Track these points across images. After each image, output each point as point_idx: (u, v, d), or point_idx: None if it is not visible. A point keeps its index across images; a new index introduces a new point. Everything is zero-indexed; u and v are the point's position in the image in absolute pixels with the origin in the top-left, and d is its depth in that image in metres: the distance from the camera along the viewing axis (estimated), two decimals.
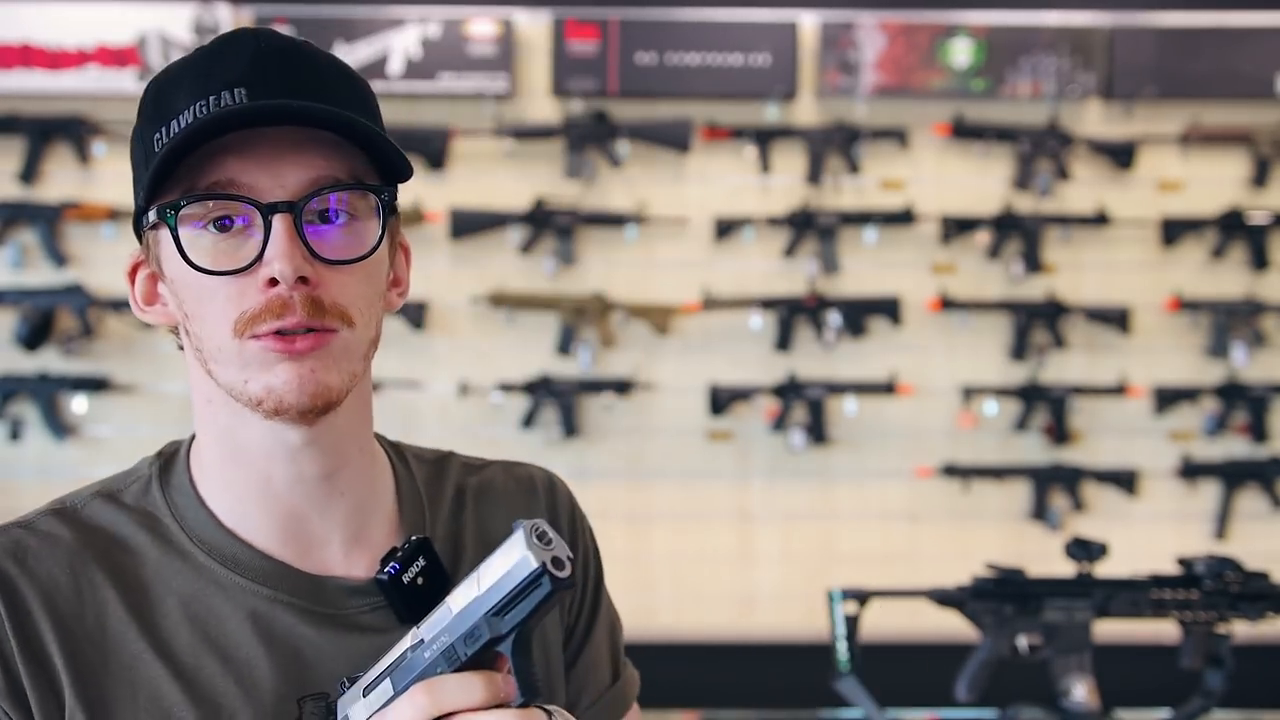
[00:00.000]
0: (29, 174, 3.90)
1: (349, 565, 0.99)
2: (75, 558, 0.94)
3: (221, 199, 0.89)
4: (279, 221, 0.88)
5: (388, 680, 0.84)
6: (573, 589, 0.80)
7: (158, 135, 0.91)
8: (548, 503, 1.12)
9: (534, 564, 0.76)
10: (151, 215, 0.92)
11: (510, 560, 0.77)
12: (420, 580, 0.94)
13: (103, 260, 3.93)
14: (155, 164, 0.88)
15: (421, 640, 0.82)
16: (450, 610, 0.81)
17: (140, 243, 0.98)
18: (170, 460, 1.01)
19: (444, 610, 0.82)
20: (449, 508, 1.07)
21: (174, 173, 0.90)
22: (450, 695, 0.79)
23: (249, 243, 0.90)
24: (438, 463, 1.10)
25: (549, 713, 0.82)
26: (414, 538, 0.96)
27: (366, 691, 0.85)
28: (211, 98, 0.88)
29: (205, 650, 0.93)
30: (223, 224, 0.90)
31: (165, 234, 0.91)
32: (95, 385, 3.88)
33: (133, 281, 0.99)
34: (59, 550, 0.94)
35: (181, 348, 0.99)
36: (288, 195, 0.89)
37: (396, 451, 1.08)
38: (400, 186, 0.97)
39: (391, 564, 0.94)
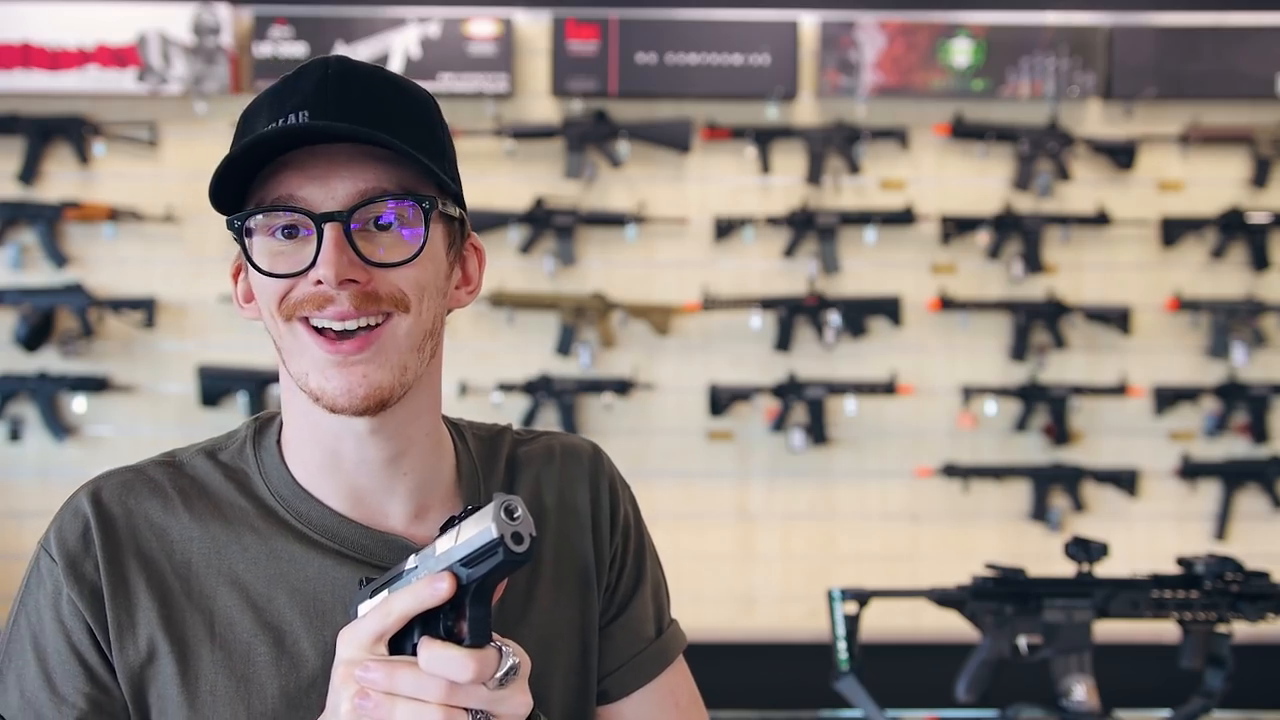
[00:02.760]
0: (29, 174, 3.90)
1: (411, 530, 1.11)
2: (170, 501, 1.09)
3: (278, 211, 1.01)
4: (329, 230, 0.99)
5: (386, 590, 0.96)
6: (527, 564, 0.87)
7: None
8: (592, 471, 1.23)
9: (494, 534, 0.86)
10: (229, 222, 1.04)
11: (480, 525, 0.87)
12: None
13: (103, 260, 3.93)
14: (213, 178, 1.01)
15: (415, 567, 0.94)
16: (435, 550, 0.92)
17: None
18: (265, 425, 1.15)
19: (432, 548, 0.93)
20: (502, 478, 1.19)
21: (250, 188, 1.03)
22: (402, 605, 0.91)
23: (307, 248, 1.01)
24: (492, 439, 1.22)
25: (500, 651, 0.90)
26: (469, 506, 1.03)
27: (373, 594, 0.98)
28: (279, 120, 1.01)
29: (277, 585, 1.07)
30: (289, 231, 1.02)
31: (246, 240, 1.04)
32: (95, 385, 3.88)
33: (235, 280, 1.11)
34: (158, 494, 1.09)
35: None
36: (338, 206, 1.00)
37: (457, 430, 1.19)
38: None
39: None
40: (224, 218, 1.05)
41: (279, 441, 1.12)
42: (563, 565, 1.18)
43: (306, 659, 1.06)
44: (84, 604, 1.04)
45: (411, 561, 0.95)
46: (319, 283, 0.99)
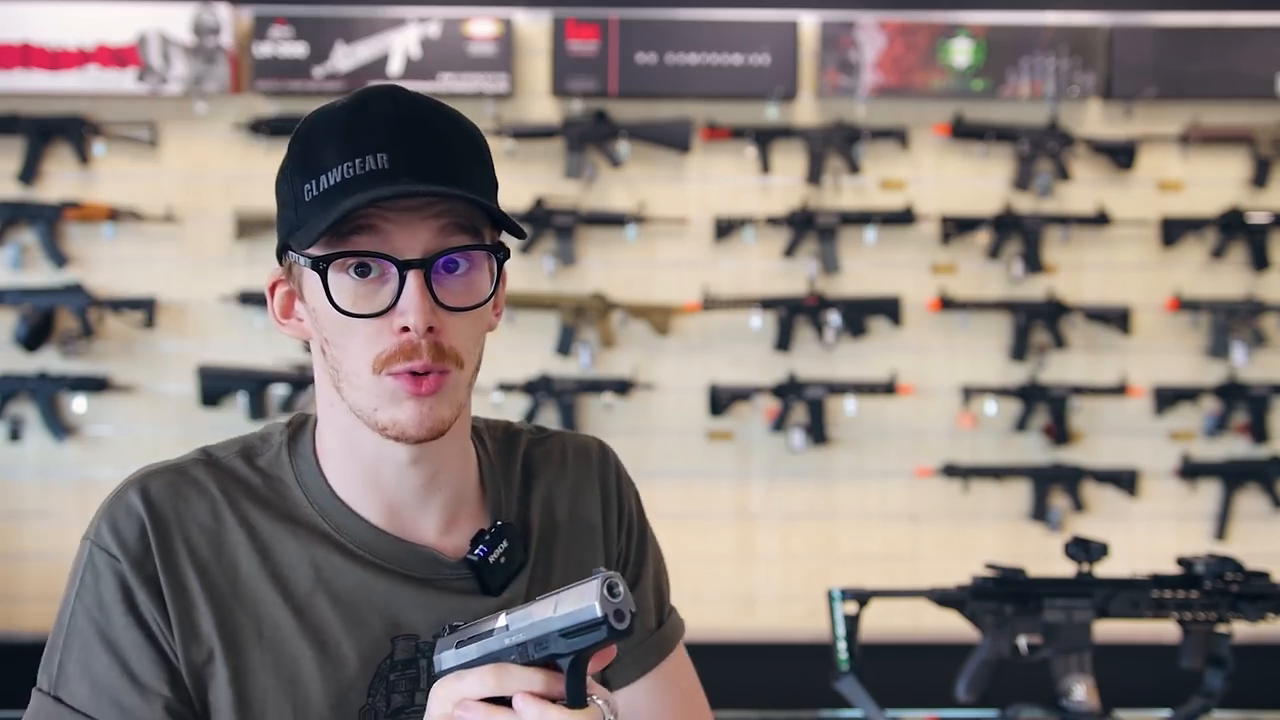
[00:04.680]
0: (29, 174, 3.90)
1: (442, 542, 1.15)
2: (217, 504, 1.11)
3: (367, 256, 1.03)
4: (413, 277, 1.03)
5: (475, 645, 1.01)
6: (629, 637, 0.94)
7: (308, 186, 1.05)
8: (600, 471, 1.27)
9: (598, 613, 0.92)
10: (302, 259, 1.06)
11: (582, 601, 0.93)
12: (503, 559, 1.15)
13: (103, 260, 3.93)
14: (320, 231, 1.02)
15: (506, 627, 0.99)
16: (531, 616, 0.97)
17: (280, 263, 1.12)
18: (299, 431, 1.17)
19: (526, 612, 0.98)
20: (519, 482, 1.23)
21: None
22: (515, 681, 0.96)
23: (384, 289, 1.04)
24: (508, 438, 1.26)
25: (602, 708, 0.96)
26: (499, 523, 1.16)
27: (459, 645, 1.03)
28: (358, 160, 1.03)
29: (318, 590, 1.10)
30: (362, 269, 1.04)
31: (312, 273, 1.06)
32: (95, 385, 3.88)
33: (272, 295, 1.14)
34: (205, 497, 1.11)
35: (308, 349, 1.15)
36: (421, 252, 1.04)
37: (475, 432, 1.22)
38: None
39: (480, 547, 1.15)
40: (288, 267, 1.10)
41: (315, 450, 1.15)
42: (571, 581, 1.20)
43: (348, 661, 1.09)
44: (153, 603, 1.06)
45: (502, 620, 1.00)
46: (404, 330, 1.03)
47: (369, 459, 1.11)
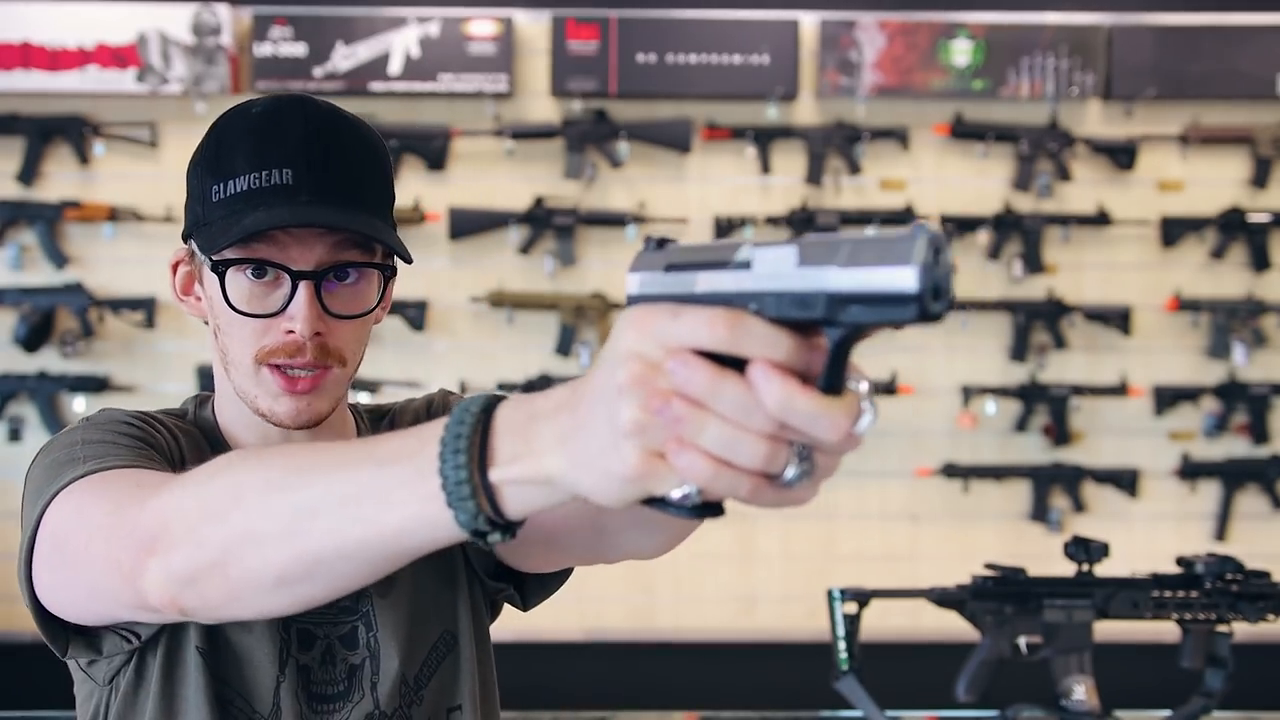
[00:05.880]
0: (29, 174, 3.90)
1: None
2: (174, 428, 1.23)
3: (262, 264, 1.14)
4: (303, 288, 1.14)
5: (695, 274, 0.71)
6: (939, 320, 0.63)
7: (216, 188, 1.14)
8: (442, 409, 1.35)
9: (914, 287, 0.61)
10: (202, 255, 1.16)
11: (894, 260, 0.62)
12: None
13: (103, 260, 3.93)
14: (221, 245, 1.12)
15: (748, 263, 0.68)
16: (794, 260, 0.66)
17: (185, 243, 1.20)
18: (203, 403, 1.29)
19: (787, 252, 0.66)
20: None
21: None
22: (753, 342, 0.66)
23: (277, 292, 1.15)
24: (378, 416, 1.37)
25: (861, 397, 0.69)
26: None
27: (670, 268, 0.73)
28: (264, 173, 1.13)
29: None
30: (259, 271, 1.14)
31: (211, 271, 1.16)
32: (95, 385, 3.88)
33: (174, 272, 1.23)
34: (165, 424, 1.23)
35: (206, 322, 1.22)
36: (313, 265, 1.14)
37: (355, 411, 1.35)
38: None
39: None
40: (190, 250, 1.20)
41: (214, 415, 1.27)
42: None
43: None
44: (158, 435, 1.18)
45: (744, 252, 0.69)
46: (290, 332, 1.14)
47: (257, 425, 1.21)
